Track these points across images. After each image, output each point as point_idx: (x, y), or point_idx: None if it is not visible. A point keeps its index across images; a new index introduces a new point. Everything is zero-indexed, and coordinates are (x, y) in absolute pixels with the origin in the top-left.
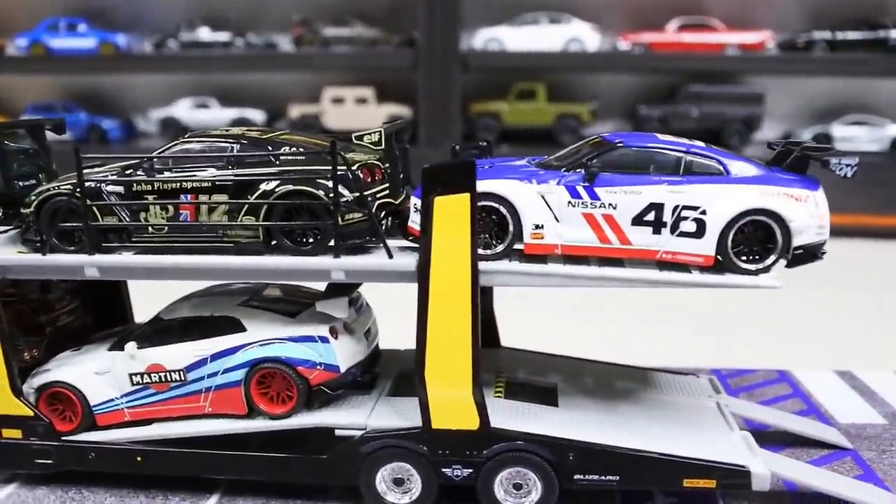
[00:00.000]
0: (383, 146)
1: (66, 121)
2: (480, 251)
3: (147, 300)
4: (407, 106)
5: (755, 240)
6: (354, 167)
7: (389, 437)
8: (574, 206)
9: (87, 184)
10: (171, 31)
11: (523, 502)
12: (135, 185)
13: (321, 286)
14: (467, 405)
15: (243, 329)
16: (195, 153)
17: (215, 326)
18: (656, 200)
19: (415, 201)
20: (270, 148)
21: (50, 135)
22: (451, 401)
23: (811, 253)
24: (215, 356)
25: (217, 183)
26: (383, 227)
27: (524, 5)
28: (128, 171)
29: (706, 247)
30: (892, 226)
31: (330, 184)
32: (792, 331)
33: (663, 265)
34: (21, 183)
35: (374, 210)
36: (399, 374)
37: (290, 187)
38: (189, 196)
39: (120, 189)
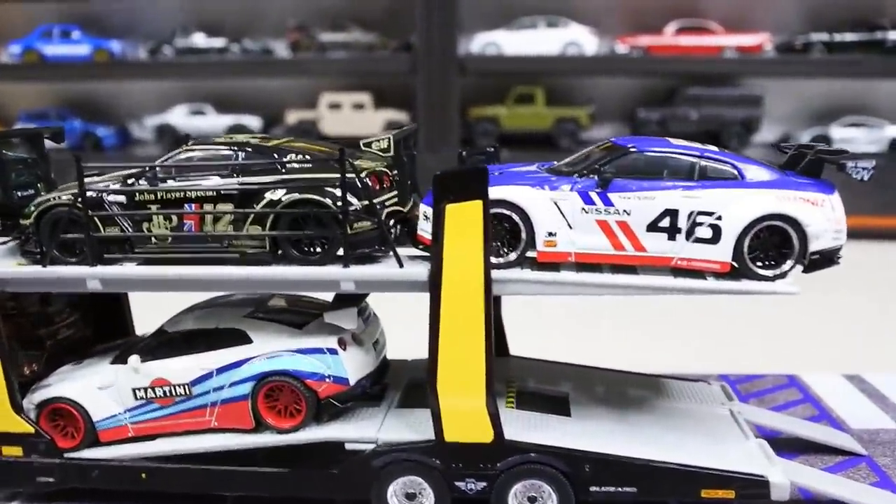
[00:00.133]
0: (392, 153)
1: (65, 129)
2: (492, 259)
3: (148, 311)
4: (405, 111)
5: (771, 245)
6: (363, 174)
7: (401, 450)
8: (587, 212)
9: (88, 193)
10: (166, 37)
11: None
12: (137, 194)
13: (327, 296)
14: (481, 417)
15: (249, 341)
16: (199, 161)
17: (221, 339)
18: (671, 206)
19: (424, 209)
20: (276, 155)
21: (48, 143)
22: (464, 413)
23: (828, 258)
24: (221, 369)
25: (222, 192)
26: (392, 236)
27: (521, 9)
28: (130, 181)
29: (722, 253)
30: (891, 227)
31: (338, 192)
32: (797, 334)
33: (678, 272)
34: (20, 193)
35: (383, 218)
36: (408, 384)
37: (298, 196)
38: (193, 205)
39: (122, 199)
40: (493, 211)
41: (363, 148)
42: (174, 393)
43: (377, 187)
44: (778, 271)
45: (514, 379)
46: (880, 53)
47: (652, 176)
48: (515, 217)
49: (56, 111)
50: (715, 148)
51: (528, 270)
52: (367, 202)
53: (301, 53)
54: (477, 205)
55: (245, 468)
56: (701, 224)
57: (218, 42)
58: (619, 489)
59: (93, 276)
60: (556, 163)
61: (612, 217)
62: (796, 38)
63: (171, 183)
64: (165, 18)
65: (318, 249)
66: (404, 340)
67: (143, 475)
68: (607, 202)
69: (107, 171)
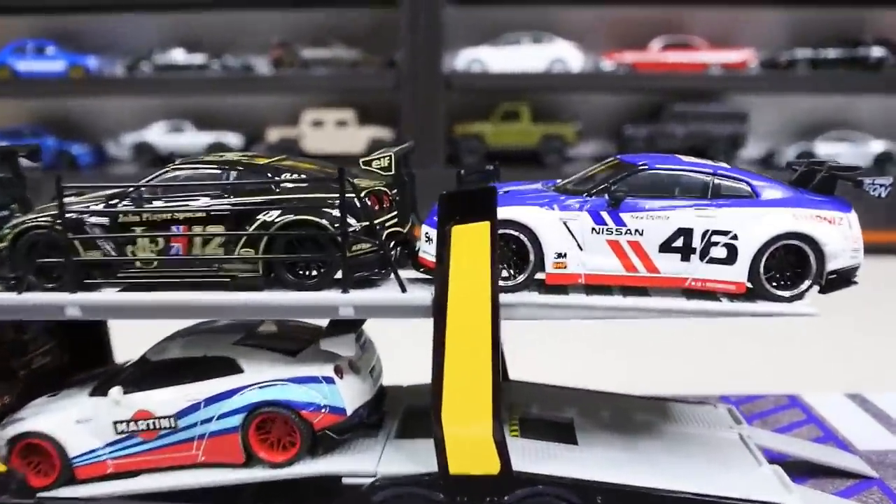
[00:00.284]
0: (393, 171)
1: (41, 147)
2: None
3: (128, 338)
4: (389, 128)
5: (786, 265)
6: (362, 194)
7: (402, 484)
8: (598, 232)
9: (68, 215)
10: (143, 53)
11: None
12: (121, 215)
13: (321, 321)
14: (487, 448)
15: (240, 370)
16: (187, 181)
17: (209, 368)
18: (685, 225)
19: (426, 230)
20: (270, 174)
21: (23, 162)
22: (470, 444)
23: (845, 277)
24: (210, 400)
25: (212, 213)
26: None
27: (506, 25)
28: (113, 201)
29: (738, 273)
30: (881, 242)
31: (335, 212)
32: (794, 352)
33: (690, 293)
34: None
35: (384, 239)
36: (405, 412)
37: (293, 217)
38: (181, 227)
39: (104, 220)
40: (500, 232)
41: (363, 166)
42: (159, 426)
43: (376, 207)
44: (795, 292)
45: (516, 405)
46: (863, 69)
47: (663, 194)
48: (524, 238)
49: (30, 129)
50: (726, 164)
51: (535, 293)
52: (367, 223)
53: (283, 70)
54: (485, 226)
55: None
56: (716, 244)
57: (198, 58)
58: None
59: (72, 303)
60: (559, 181)
61: (623, 237)
62: (780, 55)
63: (157, 204)
64: (143, 34)
65: (315, 273)
66: (401, 365)
67: None
68: (619, 222)
69: (87, 190)
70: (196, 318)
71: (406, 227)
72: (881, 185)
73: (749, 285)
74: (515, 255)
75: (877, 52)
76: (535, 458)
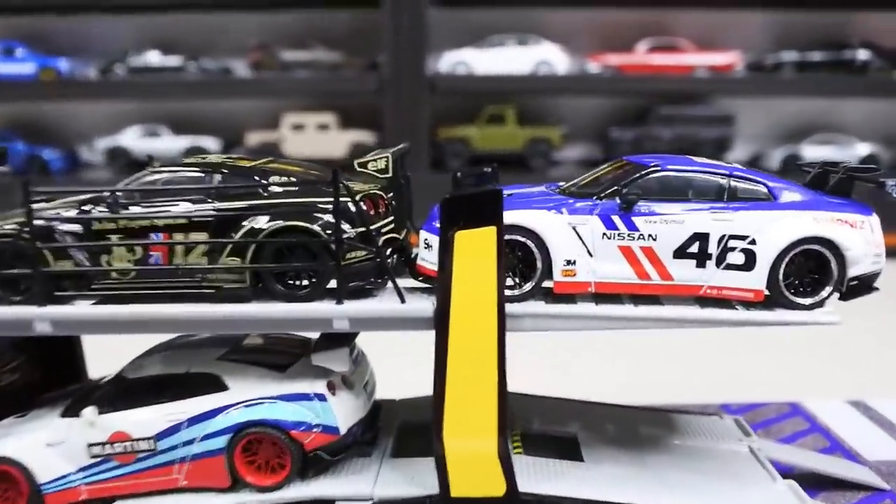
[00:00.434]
0: (390, 174)
1: (7, 150)
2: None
3: (104, 353)
4: (372, 132)
5: (804, 271)
6: (357, 197)
7: None
8: (609, 238)
9: (36, 222)
10: (117, 55)
11: None
12: (95, 222)
13: (312, 334)
14: (492, 467)
15: (225, 388)
16: (167, 185)
17: (191, 385)
18: (700, 230)
19: (426, 236)
20: (257, 178)
21: None
22: (473, 462)
23: (866, 284)
24: (192, 420)
25: (194, 219)
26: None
27: (491, 27)
28: (87, 207)
29: (756, 280)
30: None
31: (328, 217)
32: (792, 358)
33: (705, 301)
34: None
35: (380, 246)
36: (400, 429)
37: (283, 223)
38: (161, 235)
39: (77, 228)
40: (505, 238)
41: (357, 168)
42: (136, 448)
43: (372, 212)
44: (815, 299)
45: (516, 419)
46: (848, 73)
47: (676, 197)
48: (531, 244)
49: None
50: (741, 166)
51: (542, 303)
52: (362, 229)
53: (262, 73)
54: (490, 231)
55: None
56: (733, 249)
57: (174, 60)
58: None
59: (42, 317)
60: (562, 184)
61: (636, 243)
62: (766, 57)
63: (134, 209)
64: (117, 35)
65: (306, 283)
66: (389, 375)
67: None
68: (631, 226)
69: (57, 196)
70: (177, 333)
71: (403, 233)
72: None
73: (766, 293)
74: (521, 262)
75: (862, 55)
76: (541, 477)
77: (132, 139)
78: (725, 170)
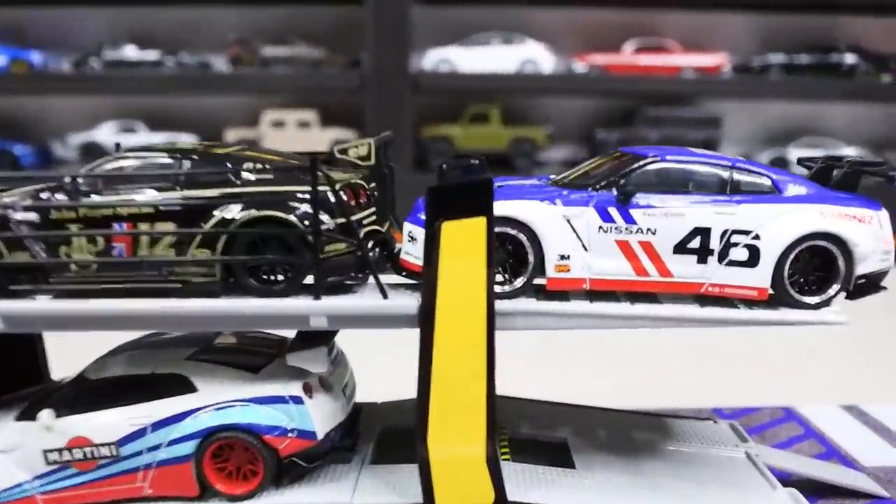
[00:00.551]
0: (373, 161)
1: None
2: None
3: (68, 351)
4: (353, 130)
5: (810, 268)
6: (337, 187)
7: None
8: (606, 231)
9: None
10: (93, 48)
11: None
12: (53, 211)
13: (288, 332)
14: (479, 473)
15: (193, 389)
16: (133, 171)
17: (157, 387)
18: (702, 224)
19: (410, 228)
20: (229, 164)
21: None
22: (459, 469)
23: (874, 282)
24: (158, 424)
25: (161, 208)
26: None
27: (476, 25)
28: (44, 195)
29: (760, 277)
30: None
31: (305, 207)
32: (784, 361)
33: (705, 300)
34: None
35: (362, 239)
36: (381, 434)
37: (256, 213)
38: (125, 225)
39: (34, 217)
40: (496, 230)
41: (338, 155)
42: (97, 455)
43: (352, 202)
44: (822, 298)
45: (503, 423)
46: (835, 76)
47: (677, 189)
48: (522, 237)
49: None
50: (743, 157)
51: (533, 300)
52: (342, 220)
53: (242, 68)
54: (480, 222)
55: None
56: (736, 244)
57: (151, 55)
58: None
59: None
60: (552, 176)
61: (634, 237)
62: (753, 60)
63: (96, 198)
64: (92, 28)
65: (281, 277)
66: (370, 377)
67: None
68: (629, 219)
69: (16, 184)
70: (143, 331)
71: (385, 225)
72: None
73: (771, 291)
74: (512, 256)
75: (849, 58)
76: (530, 484)
77: (107, 135)
78: (727, 161)
